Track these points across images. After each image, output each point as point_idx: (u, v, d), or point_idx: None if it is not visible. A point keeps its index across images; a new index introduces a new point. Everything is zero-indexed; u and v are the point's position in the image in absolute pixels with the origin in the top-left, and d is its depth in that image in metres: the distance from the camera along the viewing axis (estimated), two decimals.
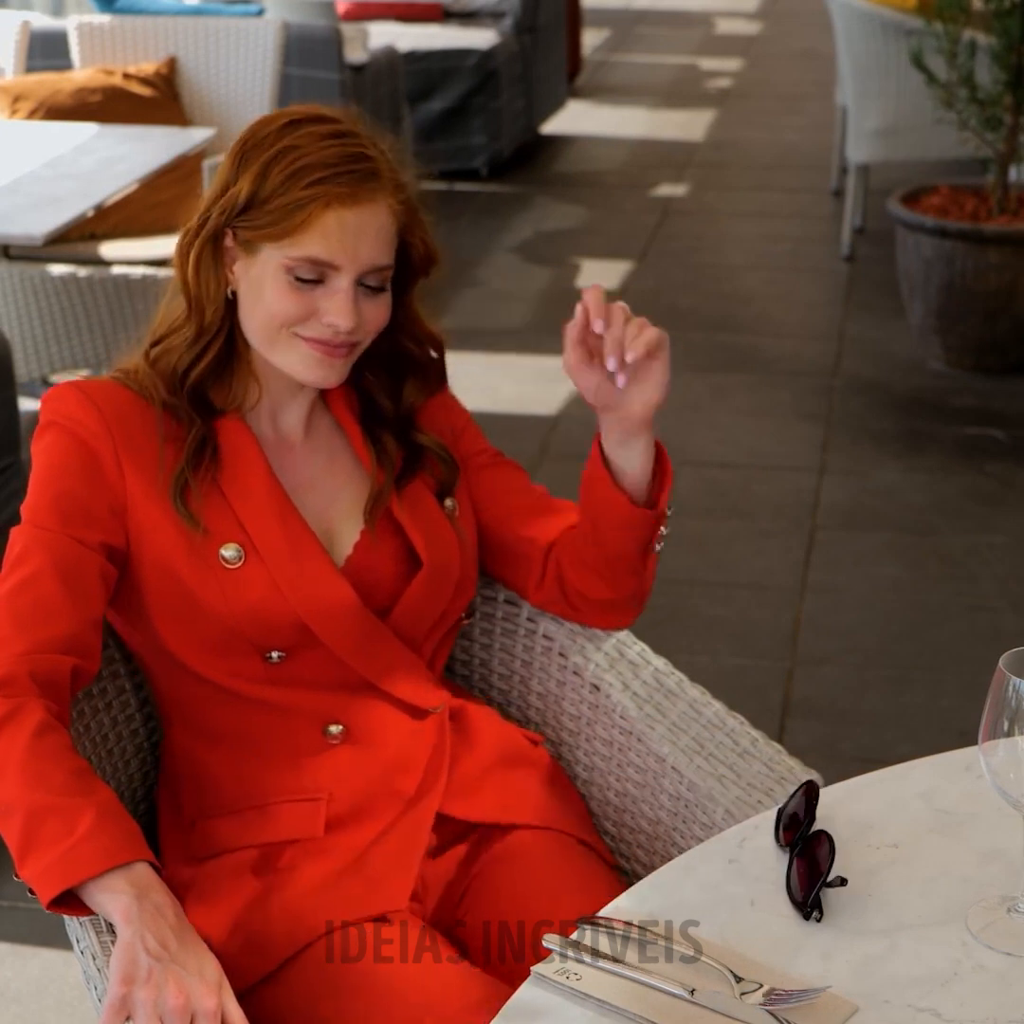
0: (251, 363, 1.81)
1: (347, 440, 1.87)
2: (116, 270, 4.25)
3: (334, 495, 1.84)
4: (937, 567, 3.95)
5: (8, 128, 4.40)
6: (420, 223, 1.81)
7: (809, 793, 1.55)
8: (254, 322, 1.77)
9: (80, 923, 1.56)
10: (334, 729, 1.79)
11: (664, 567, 3.92)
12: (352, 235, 1.72)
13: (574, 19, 8.29)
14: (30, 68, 4.82)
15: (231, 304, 1.79)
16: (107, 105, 4.60)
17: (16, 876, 1.56)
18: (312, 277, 1.72)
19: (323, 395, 1.86)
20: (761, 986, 1.34)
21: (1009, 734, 1.37)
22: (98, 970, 1.51)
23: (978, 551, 4.00)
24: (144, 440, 1.76)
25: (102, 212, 4.17)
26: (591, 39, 9.30)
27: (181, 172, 4.41)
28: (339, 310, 1.72)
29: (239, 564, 1.75)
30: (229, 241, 1.76)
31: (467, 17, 7.23)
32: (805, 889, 1.45)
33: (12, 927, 2.79)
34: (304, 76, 5.30)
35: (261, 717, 1.80)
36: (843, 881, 1.46)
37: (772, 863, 1.50)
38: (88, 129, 4.33)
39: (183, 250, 1.78)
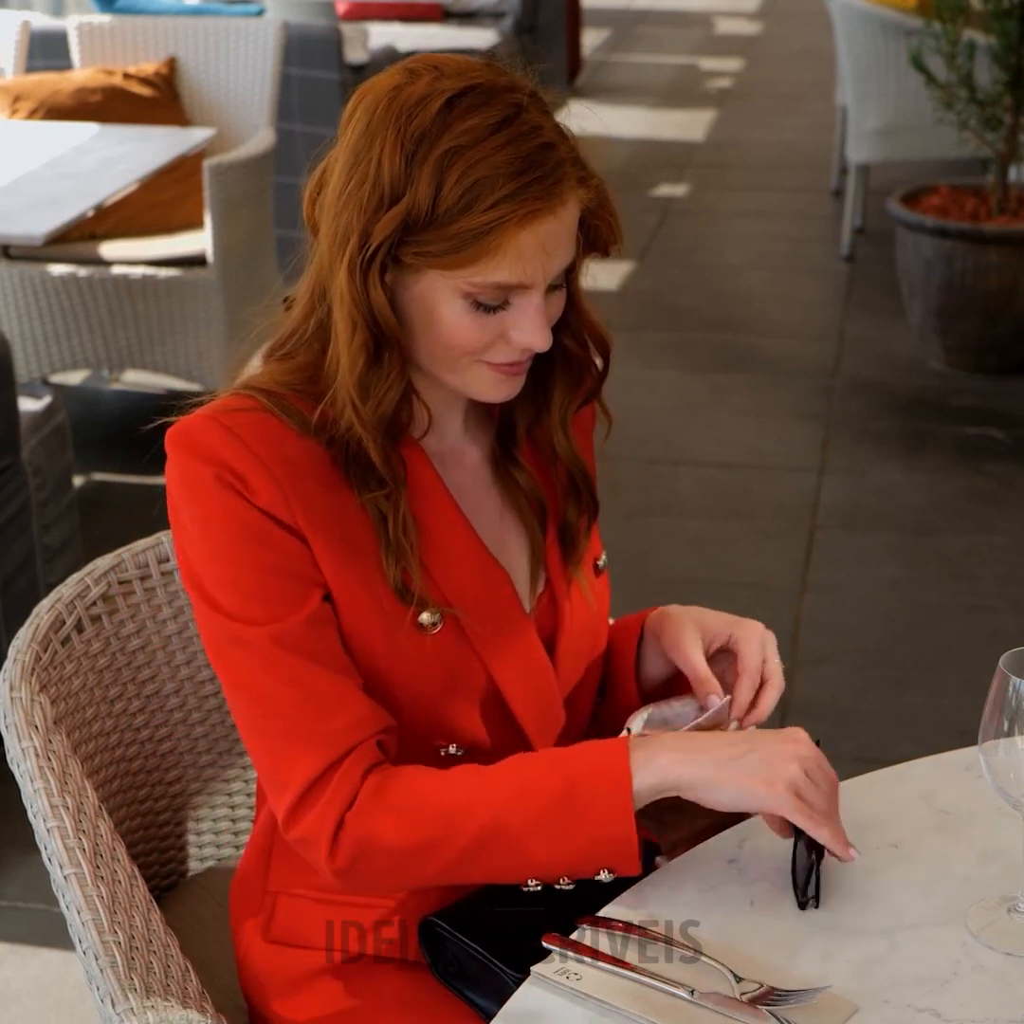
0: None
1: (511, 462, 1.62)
2: (116, 270, 4.26)
3: (507, 525, 1.61)
4: (937, 567, 3.95)
5: (8, 128, 4.40)
6: (606, 200, 1.50)
7: None
8: (424, 346, 1.48)
9: (82, 923, 1.51)
10: None
11: (664, 567, 3.96)
12: (545, 249, 1.42)
13: (574, 19, 8.29)
14: (30, 68, 4.81)
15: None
16: (107, 105, 4.60)
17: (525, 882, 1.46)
18: (497, 302, 1.44)
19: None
20: (761, 986, 1.34)
21: (1009, 734, 1.37)
22: (100, 970, 1.49)
23: (978, 551, 4.00)
24: (318, 489, 1.48)
25: (102, 212, 4.17)
26: (591, 39, 9.29)
27: (181, 172, 4.41)
28: (534, 331, 1.45)
29: (437, 630, 1.52)
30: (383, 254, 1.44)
31: (467, 17, 7.23)
32: (806, 874, 1.45)
33: (12, 927, 2.79)
34: (304, 76, 5.29)
35: None
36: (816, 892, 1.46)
37: (772, 863, 1.50)
38: (88, 129, 4.33)
39: (353, 279, 1.43)
